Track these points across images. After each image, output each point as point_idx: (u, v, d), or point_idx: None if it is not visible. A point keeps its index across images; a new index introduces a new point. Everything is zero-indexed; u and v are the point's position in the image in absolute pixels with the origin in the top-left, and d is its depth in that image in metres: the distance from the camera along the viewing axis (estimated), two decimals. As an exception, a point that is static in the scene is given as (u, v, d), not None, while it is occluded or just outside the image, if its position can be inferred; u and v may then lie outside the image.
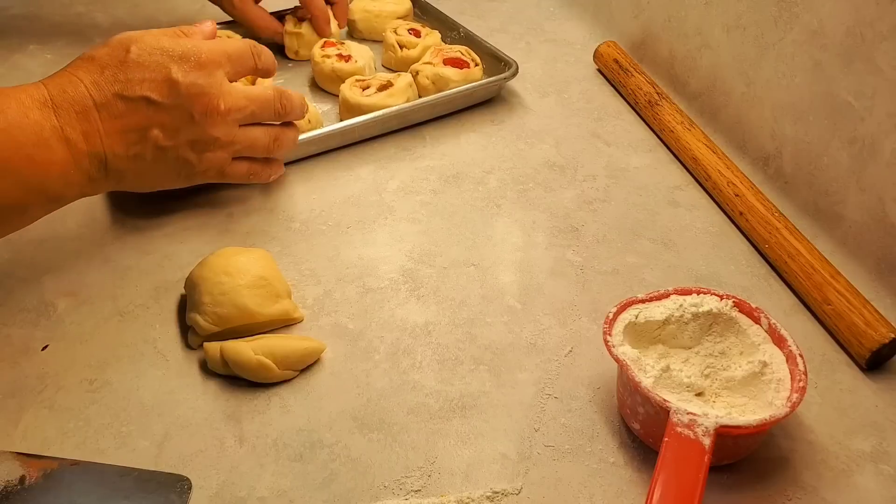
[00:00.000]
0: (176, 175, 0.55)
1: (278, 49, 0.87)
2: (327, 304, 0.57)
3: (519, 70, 0.80)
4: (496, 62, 0.82)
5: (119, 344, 0.53)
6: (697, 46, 0.77)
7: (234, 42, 0.58)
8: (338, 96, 0.76)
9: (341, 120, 0.73)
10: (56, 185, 0.49)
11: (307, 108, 0.64)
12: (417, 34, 0.86)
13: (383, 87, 0.75)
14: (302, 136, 0.69)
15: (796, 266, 0.57)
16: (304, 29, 0.86)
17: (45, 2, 1.00)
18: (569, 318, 0.56)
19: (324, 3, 0.85)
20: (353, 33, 0.93)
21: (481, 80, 0.79)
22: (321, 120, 0.73)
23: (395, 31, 0.86)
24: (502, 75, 0.79)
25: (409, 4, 0.94)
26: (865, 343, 0.51)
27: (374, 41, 0.91)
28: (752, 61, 0.70)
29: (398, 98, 0.74)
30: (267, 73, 0.61)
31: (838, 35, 0.59)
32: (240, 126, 0.57)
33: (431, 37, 0.86)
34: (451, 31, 0.89)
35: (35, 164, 0.47)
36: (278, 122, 0.62)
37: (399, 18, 0.92)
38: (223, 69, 0.55)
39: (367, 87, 0.75)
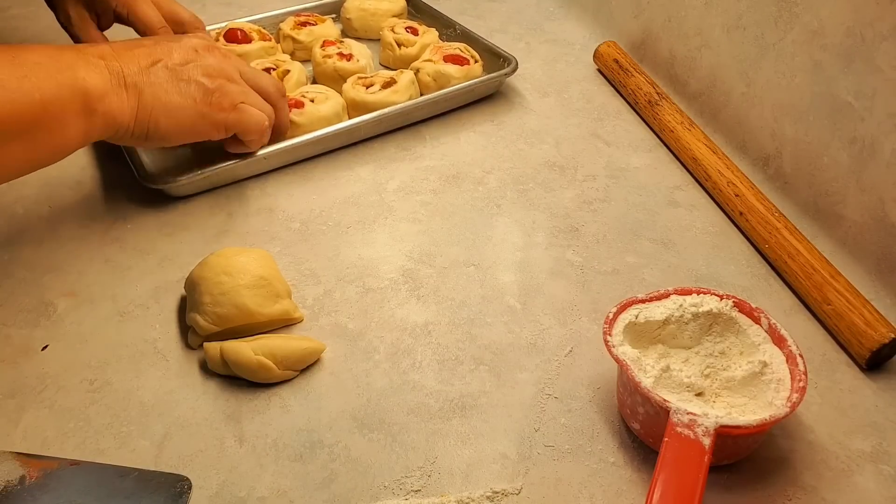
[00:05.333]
0: (193, 100, 0.58)
1: None
2: (327, 304, 0.57)
3: (518, 66, 0.80)
4: (495, 58, 0.82)
5: (119, 344, 0.53)
6: (697, 46, 0.77)
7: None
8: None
9: (348, 119, 0.73)
10: (92, 85, 0.53)
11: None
12: (415, 32, 0.86)
13: (387, 85, 0.75)
14: (307, 136, 0.69)
15: (796, 266, 0.57)
16: (303, 34, 0.86)
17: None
18: (569, 318, 0.56)
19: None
20: (349, 32, 0.93)
21: (481, 76, 0.79)
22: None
23: (393, 30, 0.86)
24: (503, 71, 0.79)
25: (403, 3, 0.95)
26: (865, 343, 0.51)
27: (370, 40, 0.91)
28: (752, 61, 0.70)
29: (402, 95, 0.75)
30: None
31: (838, 35, 0.59)
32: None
33: (429, 34, 0.86)
34: (446, 28, 0.89)
35: (67, 68, 0.52)
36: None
37: (394, 17, 0.92)
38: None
39: (371, 85, 0.75)
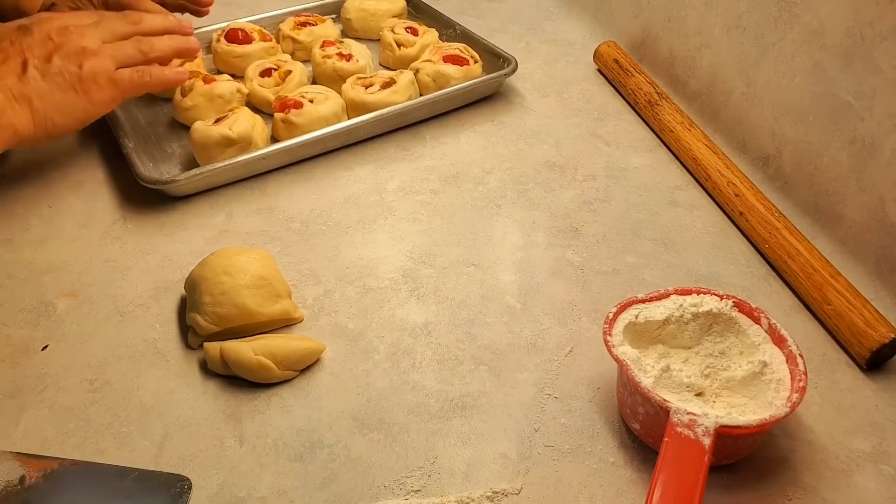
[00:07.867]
0: (74, 91, 0.59)
1: None
2: (327, 304, 0.57)
3: (518, 66, 0.80)
4: (494, 59, 0.82)
5: (119, 344, 0.53)
6: (697, 46, 0.77)
7: None
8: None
9: (348, 119, 0.73)
10: None
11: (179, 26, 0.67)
12: (415, 32, 0.86)
13: (386, 85, 0.75)
14: (307, 136, 0.69)
15: (796, 266, 0.57)
16: (303, 35, 0.86)
17: None
18: (569, 318, 0.56)
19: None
20: (349, 33, 0.93)
21: (481, 76, 0.79)
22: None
23: (393, 30, 0.86)
24: (503, 71, 0.79)
25: (403, 3, 0.95)
26: (865, 343, 0.51)
27: (370, 40, 0.91)
28: (752, 61, 0.70)
29: (401, 95, 0.74)
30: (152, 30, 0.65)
31: (838, 35, 0.59)
32: (105, 43, 0.62)
33: (429, 35, 0.86)
34: (446, 28, 0.89)
35: None
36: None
37: (394, 17, 0.92)
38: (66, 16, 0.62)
39: (370, 85, 0.75)
